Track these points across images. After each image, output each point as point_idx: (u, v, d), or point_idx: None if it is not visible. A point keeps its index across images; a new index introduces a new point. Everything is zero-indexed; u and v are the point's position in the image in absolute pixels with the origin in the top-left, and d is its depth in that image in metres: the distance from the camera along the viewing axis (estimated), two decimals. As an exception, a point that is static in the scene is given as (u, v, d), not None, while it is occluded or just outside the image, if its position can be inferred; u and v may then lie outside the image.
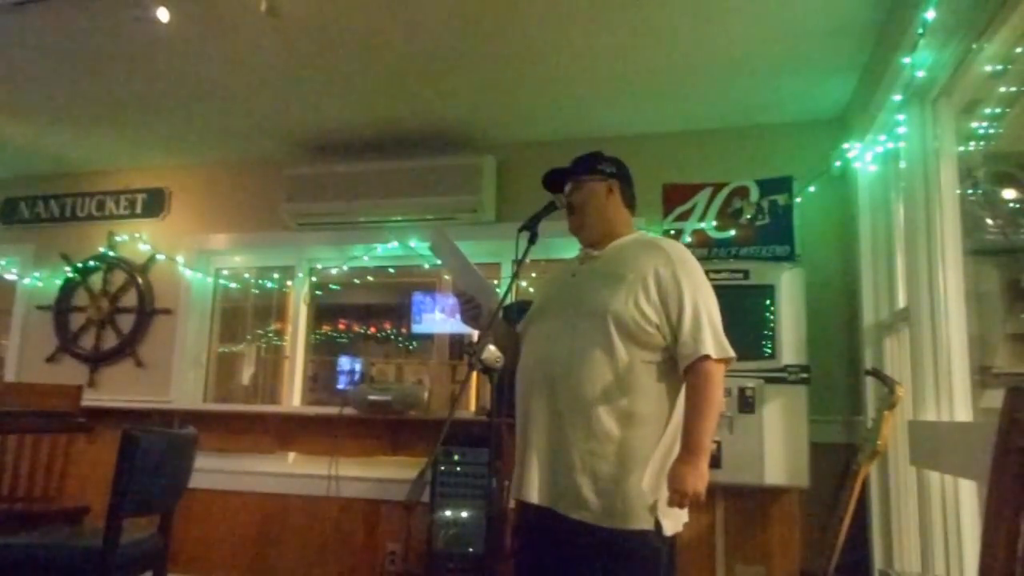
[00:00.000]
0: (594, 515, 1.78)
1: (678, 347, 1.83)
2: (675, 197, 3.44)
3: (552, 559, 1.85)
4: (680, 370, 1.85)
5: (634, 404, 1.82)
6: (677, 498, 1.73)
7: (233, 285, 4.57)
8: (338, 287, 4.50)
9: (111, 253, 4.56)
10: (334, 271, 4.29)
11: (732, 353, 1.85)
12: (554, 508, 1.83)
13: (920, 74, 2.24)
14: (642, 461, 1.80)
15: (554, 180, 2.11)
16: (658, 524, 1.77)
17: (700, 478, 1.74)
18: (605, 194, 2.05)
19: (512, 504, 1.96)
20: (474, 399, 4.00)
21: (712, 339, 1.82)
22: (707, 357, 1.80)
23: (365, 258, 4.17)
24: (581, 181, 2.07)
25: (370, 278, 4.35)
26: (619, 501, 1.77)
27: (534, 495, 1.85)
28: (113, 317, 4.50)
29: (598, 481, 1.78)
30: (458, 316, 2.14)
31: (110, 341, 4.48)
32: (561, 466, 1.83)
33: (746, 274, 3.19)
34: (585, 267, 2.02)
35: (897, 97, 2.46)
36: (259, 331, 4.76)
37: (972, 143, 2.36)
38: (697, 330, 1.82)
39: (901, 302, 2.77)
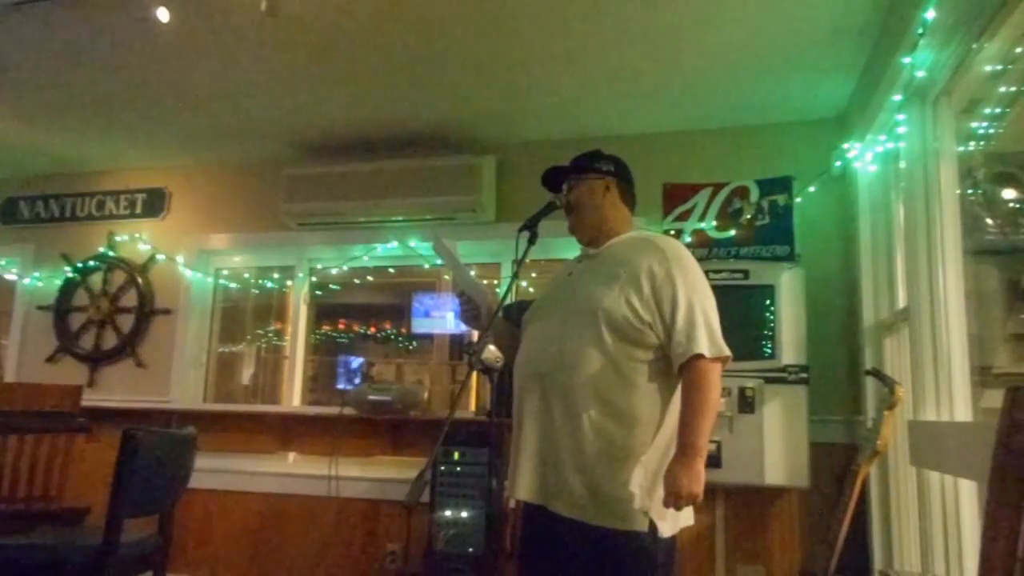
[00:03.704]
0: (586, 513, 1.77)
1: (671, 346, 1.81)
2: (675, 197, 3.44)
3: (550, 557, 1.85)
4: (674, 369, 1.82)
5: (626, 403, 1.80)
6: (672, 500, 1.71)
7: (233, 285, 4.57)
8: (338, 287, 4.50)
9: (111, 253, 4.56)
10: (334, 271, 4.29)
11: (727, 352, 1.82)
12: (547, 506, 1.83)
13: (920, 74, 2.24)
14: (635, 461, 1.78)
15: (552, 178, 2.11)
16: (652, 525, 1.75)
17: (695, 479, 1.70)
18: (602, 192, 2.04)
19: (512, 504, 1.96)
20: (474, 399, 4.00)
21: (706, 338, 1.79)
22: (701, 356, 1.77)
23: (365, 258, 4.17)
24: (579, 179, 2.06)
25: (370, 278, 4.35)
26: (612, 501, 1.76)
27: (524, 492, 1.85)
28: (113, 317, 4.50)
29: (590, 480, 1.77)
30: (457, 314, 2.16)
31: (110, 341, 4.48)
32: (552, 464, 1.82)
33: (746, 274, 3.19)
34: (582, 266, 2.02)
35: (897, 97, 2.46)
36: (259, 331, 4.77)
37: (972, 143, 2.36)
38: (691, 328, 1.79)
39: (901, 302, 2.77)
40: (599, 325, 1.83)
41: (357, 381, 4.73)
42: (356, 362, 5.04)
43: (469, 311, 2.10)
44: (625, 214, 2.09)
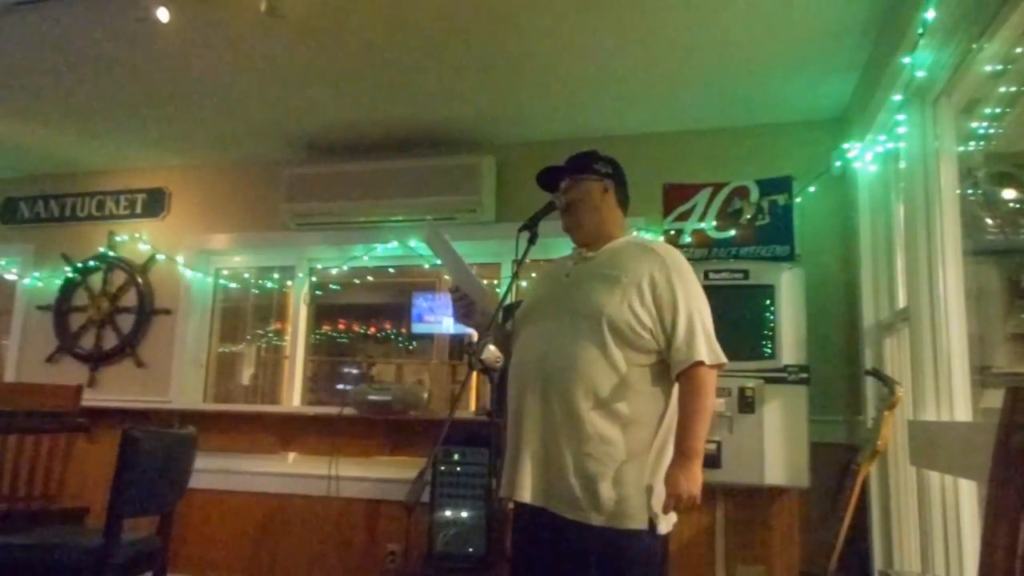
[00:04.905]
0: (587, 515, 1.79)
1: (671, 352, 1.85)
2: (675, 197, 3.44)
3: (548, 558, 1.86)
4: (673, 375, 1.86)
5: (627, 406, 1.83)
6: (671, 501, 1.76)
7: (233, 285, 4.57)
8: (338, 287, 4.50)
9: (111, 253, 4.56)
10: (334, 271, 4.29)
11: (724, 359, 1.87)
12: (548, 508, 1.83)
13: (920, 74, 2.24)
14: (635, 462, 1.81)
15: (548, 178, 2.11)
16: (652, 523, 1.79)
17: (693, 481, 1.76)
18: (600, 194, 2.05)
19: (511, 505, 1.96)
20: (474, 399, 4.00)
21: (705, 345, 1.84)
22: (700, 363, 1.82)
23: (365, 258, 4.17)
24: (577, 180, 2.07)
25: (370, 278, 4.34)
26: (613, 501, 1.78)
27: (527, 495, 1.85)
28: (113, 317, 4.50)
29: (591, 482, 1.79)
30: (451, 313, 2.15)
31: (110, 341, 4.48)
32: (554, 467, 1.83)
33: (746, 274, 3.18)
34: (579, 268, 2.02)
35: (897, 97, 2.46)
36: (259, 331, 4.76)
37: (972, 143, 2.35)
38: (691, 336, 1.84)
39: (901, 302, 2.77)
40: (602, 329, 1.85)
41: (357, 381, 4.73)
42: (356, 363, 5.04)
43: (462, 308, 2.10)
44: (619, 216, 2.10)
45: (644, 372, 1.86)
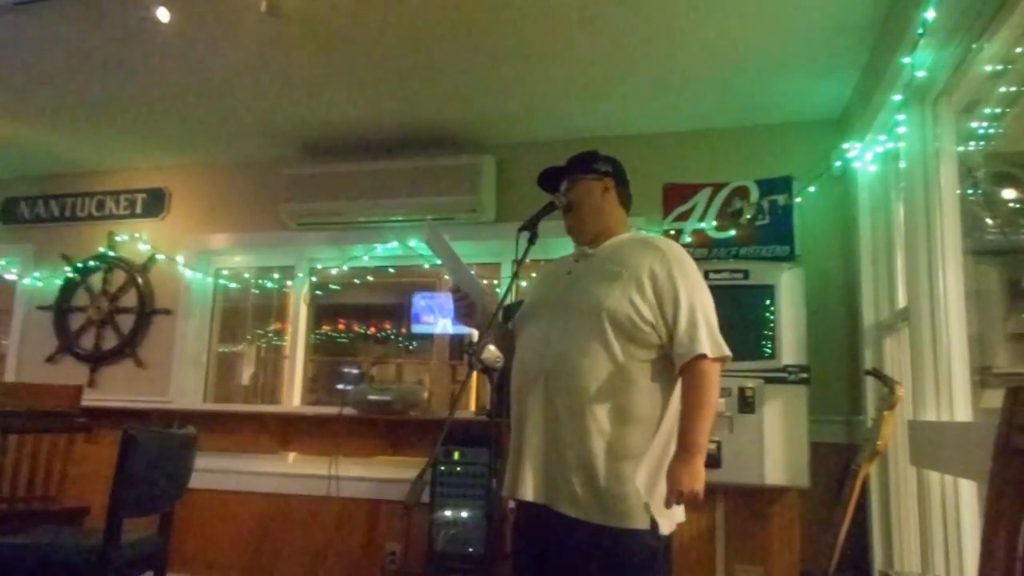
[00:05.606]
0: (589, 513, 1.77)
1: (674, 346, 1.83)
2: (675, 197, 3.44)
3: (549, 556, 1.86)
4: (676, 369, 1.84)
5: (629, 402, 1.81)
6: (674, 498, 1.73)
7: (233, 285, 4.57)
8: (338, 287, 4.50)
9: (111, 253, 4.56)
10: (334, 271, 4.29)
11: (728, 352, 1.85)
12: (550, 505, 1.83)
13: (920, 74, 2.24)
14: (637, 459, 1.79)
15: (549, 179, 2.11)
16: (654, 523, 1.77)
17: (697, 477, 1.74)
18: (601, 193, 2.05)
19: (512, 505, 1.95)
20: (474, 399, 4.00)
21: (708, 338, 1.81)
22: (703, 356, 1.79)
23: (365, 258, 4.17)
24: (577, 179, 2.06)
25: (370, 278, 4.34)
26: (615, 500, 1.77)
27: (529, 493, 1.84)
28: (113, 317, 4.50)
29: (593, 479, 1.78)
30: (452, 313, 2.15)
31: (110, 341, 4.49)
32: (556, 464, 1.82)
33: (746, 274, 3.19)
34: (580, 265, 2.02)
35: (897, 97, 2.46)
36: (259, 331, 4.76)
37: (972, 143, 2.35)
38: (693, 329, 1.82)
39: (901, 302, 2.77)
40: (603, 325, 1.83)
41: (357, 381, 4.72)
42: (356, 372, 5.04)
43: (463, 307, 2.09)
44: (621, 215, 2.09)
45: (646, 368, 1.84)
